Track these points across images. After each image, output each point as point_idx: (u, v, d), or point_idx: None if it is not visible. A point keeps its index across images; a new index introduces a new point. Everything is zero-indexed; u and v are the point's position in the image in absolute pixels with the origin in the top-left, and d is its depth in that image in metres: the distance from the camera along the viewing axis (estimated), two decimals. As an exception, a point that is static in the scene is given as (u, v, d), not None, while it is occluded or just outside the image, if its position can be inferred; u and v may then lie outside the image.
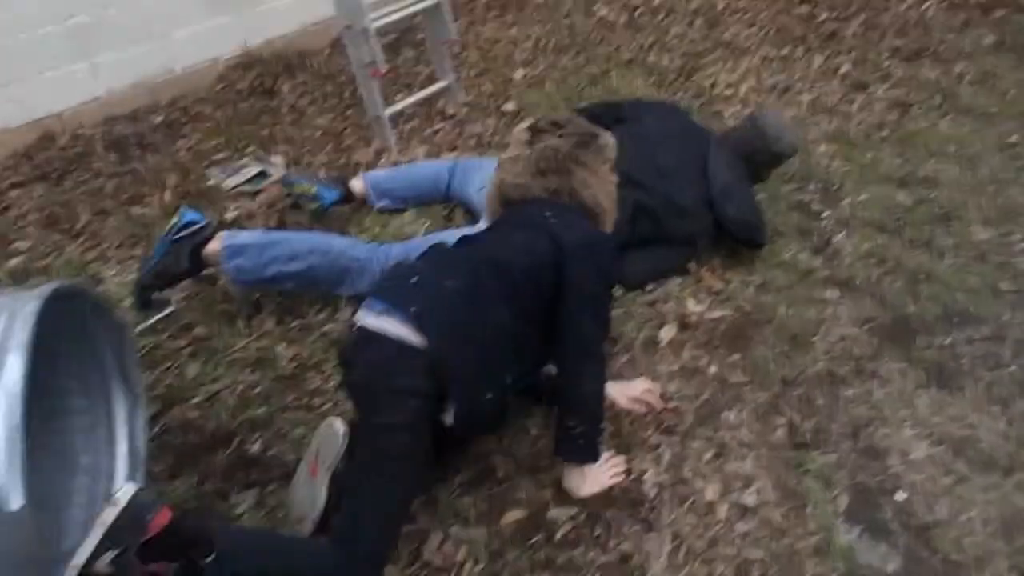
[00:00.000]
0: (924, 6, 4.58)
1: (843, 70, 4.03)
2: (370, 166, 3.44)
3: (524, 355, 1.98)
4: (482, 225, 2.50)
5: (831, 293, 2.70)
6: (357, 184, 3.02)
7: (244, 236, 2.54)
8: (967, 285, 2.70)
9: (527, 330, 1.93)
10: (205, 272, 2.59)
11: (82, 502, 1.89)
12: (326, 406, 2.32)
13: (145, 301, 2.56)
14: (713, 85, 3.95)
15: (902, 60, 4.12)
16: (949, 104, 3.74)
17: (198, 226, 2.53)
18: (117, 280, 2.80)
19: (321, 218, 3.02)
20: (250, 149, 3.56)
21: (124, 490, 1.58)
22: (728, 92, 3.89)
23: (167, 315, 2.63)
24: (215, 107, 3.93)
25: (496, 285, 1.89)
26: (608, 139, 2.21)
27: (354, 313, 1.91)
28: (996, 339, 2.49)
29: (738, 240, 2.82)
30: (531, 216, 2.04)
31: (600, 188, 2.14)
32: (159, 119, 3.82)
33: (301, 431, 2.24)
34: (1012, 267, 2.77)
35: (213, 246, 2.50)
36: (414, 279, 1.89)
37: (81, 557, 1.53)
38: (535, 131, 2.18)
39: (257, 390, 2.37)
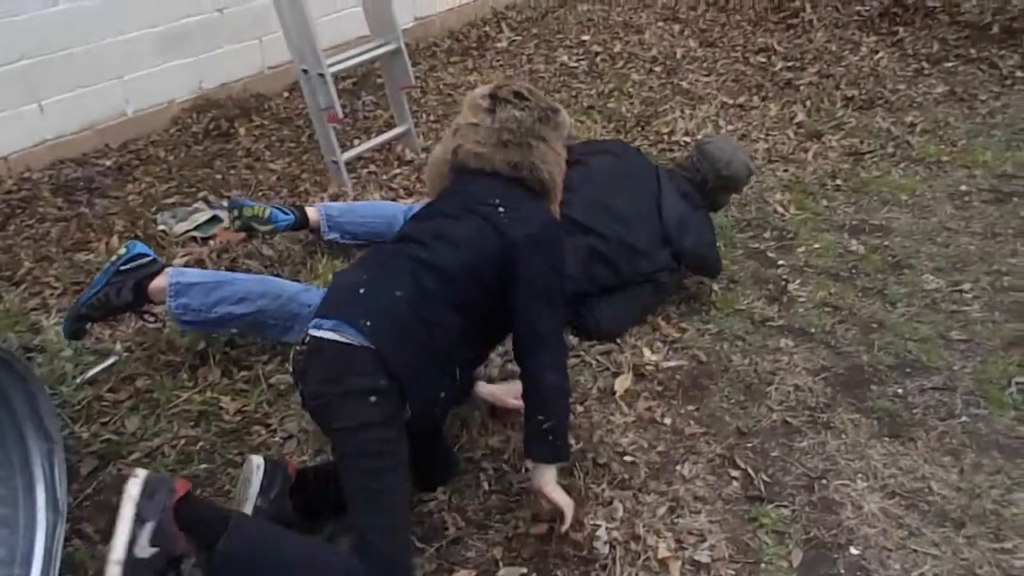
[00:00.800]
0: (876, 56, 4.68)
1: (798, 119, 4.09)
2: (325, 211, 3.40)
3: (471, 345, 2.01)
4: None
5: (786, 342, 2.69)
6: (312, 212, 2.96)
7: (192, 274, 2.47)
8: (919, 334, 2.71)
9: (473, 324, 1.94)
10: (146, 308, 2.49)
11: (0, 556, 1.79)
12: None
13: (77, 331, 2.44)
14: (671, 132, 3.98)
15: (855, 109, 4.19)
16: (901, 153, 3.80)
17: (147, 259, 2.45)
18: (57, 329, 2.71)
19: (273, 263, 2.97)
20: (202, 194, 3.50)
21: (136, 469, 1.66)
22: (686, 139, 3.92)
23: (108, 367, 2.55)
24: (168, 150, 3.87)
25: (440, 291, 1.88)
26: (565, 115, 2.16)
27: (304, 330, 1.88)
28: (948, 389, 2.49)
29: (694, 271, 2.86)
30: (480, 202, 1.99)
31: (555, 164, 2.10)
32: (109, 162, 3.75)
33: (244, 487, 2.17)
34: (963, 316, 2.79)
35: (159, 282, 2.42)
36: (361, 290, 1.87)
37: (119, 547, 1.55)
38: (497, 99, 2.08)
39: (200, 445, 2.30)
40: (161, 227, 3.27)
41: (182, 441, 2.30)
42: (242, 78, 4.31)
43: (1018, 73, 4.44)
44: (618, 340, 2.68)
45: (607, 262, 2.66)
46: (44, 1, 3.53)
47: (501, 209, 1.96)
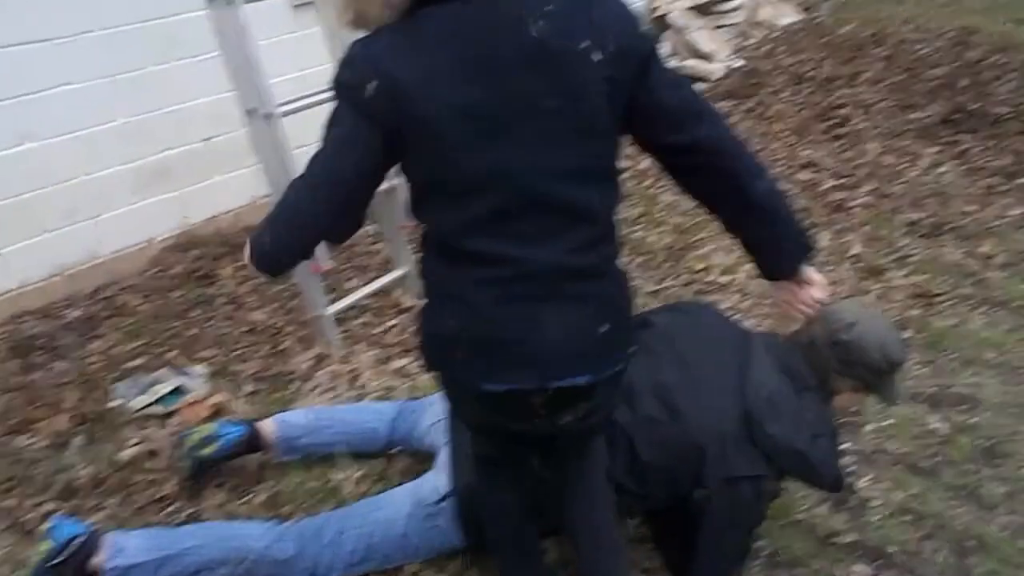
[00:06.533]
0: (939, 171, 4.16)
1: (854, 251, 3.56)
2: (306, 377, 2.94)
3: None
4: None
5: (861, 569, 2.13)
6: (268, 428, 2.44)
7: (132, 548, 1.99)
8: (1031, 559, 2.14)
9: None
10: None
11: None
12: None
13: None
14: (706, 269, 3.48)
15: (920, 237, 3.65)
16: (980, 294, 3.24)
17: (79, 540, 1.99)
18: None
19: (231, 474, 2.47)
20: (172, 354, 3.07)
21: None
22: (723, 279, 3.42)
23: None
24: (143, 297, 3.46)
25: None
26: None
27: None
28: (1080, 650, 1.91)
29: (792, 475, 1.97)
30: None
31: None
32: (76, 314, 3.35)
33: None
34: (1085, 532, 2.21)
35: (98, 559, 1.97)
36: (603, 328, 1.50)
37: None
38: None
39: None
40: (115, 403, 2.83)
41: None
42: (232, 210, 3.92)
43: (1106, 192, 3.89)
44: (644, 567, 2.14)
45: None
46: (7, 141, 3.19)
47: (585, 42, 1.33)
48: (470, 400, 1.59)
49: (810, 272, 1.70)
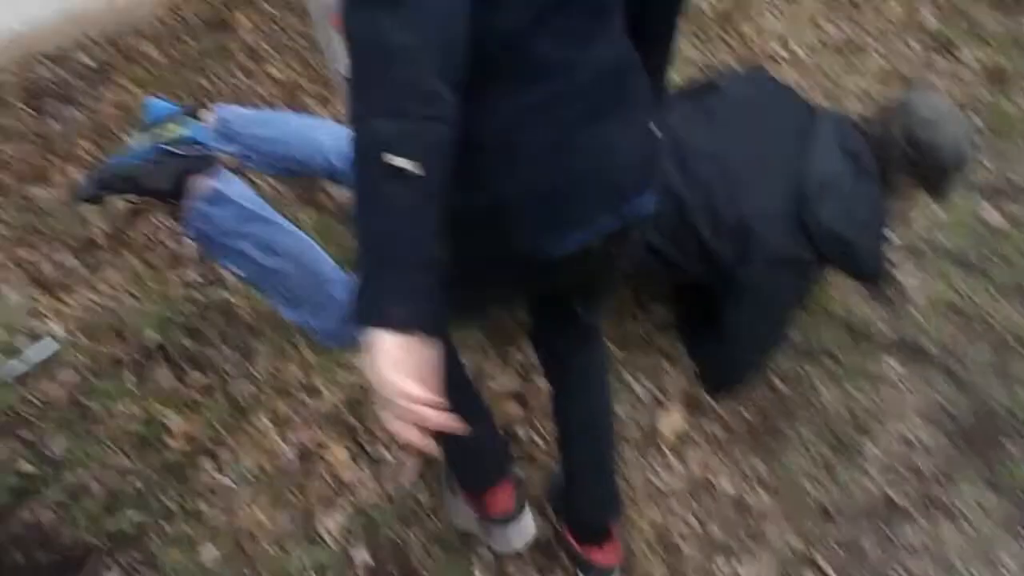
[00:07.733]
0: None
1: (926, 21, 3.23)
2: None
3: None
4: None
5: (893, 365, 2.07)
6: (206, 114, 2.17)
7: (235, 190, 1.91)
8: (1074, 362, 2.06)
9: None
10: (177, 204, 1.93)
11: None
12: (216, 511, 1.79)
13: (93, 199, 1.93)
14: (759, 33, 3.17)
15: (996, 8, 3.29)
16: (1058, 76, 2.97)
17: (204, 151, 1.92)
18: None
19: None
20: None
21: None
22: (775, 47, 3.13)
23: (49, 358, 2.08)
24: (157, 45, 3.25)
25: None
26: None
27: None
28: (1112, 456, 1.87)
29: (834, 263, 1.85)
30: None
31: None
32: (88, 60, 3.16)
33: (178, 554, 1.71)
34: None
35: (201, 180, 1.87)
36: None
37: None
38: None
39: (130, 481, 1.83)
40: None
41: (112, 476, 1.85)
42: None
43: None
44: (656, 351, 2.08)
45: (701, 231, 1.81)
46: None
47: None
48: (505, 268, 1.18)
49: None
